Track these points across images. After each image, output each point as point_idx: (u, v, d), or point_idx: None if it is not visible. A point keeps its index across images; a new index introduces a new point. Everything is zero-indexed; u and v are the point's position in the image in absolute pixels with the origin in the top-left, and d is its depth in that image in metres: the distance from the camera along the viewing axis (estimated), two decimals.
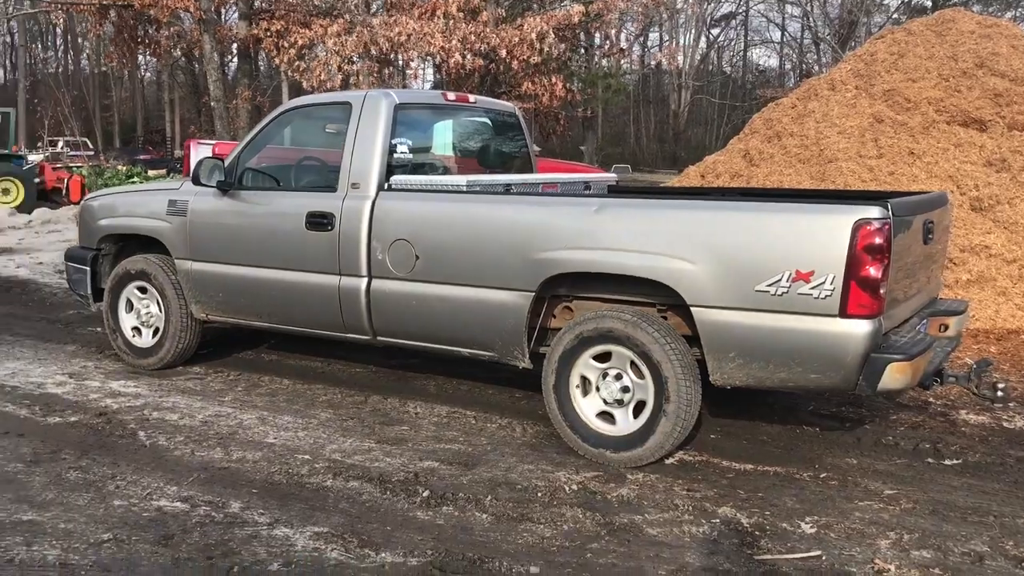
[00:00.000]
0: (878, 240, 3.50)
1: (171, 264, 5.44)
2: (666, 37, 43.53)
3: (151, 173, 20.81)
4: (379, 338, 4.81)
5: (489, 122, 5.87)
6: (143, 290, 5.60)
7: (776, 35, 46.63)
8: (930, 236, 4.16)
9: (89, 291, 5.87)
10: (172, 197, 5.43)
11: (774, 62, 48.30)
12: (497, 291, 4.30)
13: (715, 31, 46.75)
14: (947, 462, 4.20)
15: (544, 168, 7.16)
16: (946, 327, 4.51)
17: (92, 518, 3.44)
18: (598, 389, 4.13)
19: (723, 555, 3.21)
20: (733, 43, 48.94)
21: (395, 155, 4.82)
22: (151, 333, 5.62)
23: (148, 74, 48.45)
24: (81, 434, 4.42)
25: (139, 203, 5.70)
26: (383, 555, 3.17)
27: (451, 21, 17.32)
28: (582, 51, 23.99)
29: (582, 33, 22.94)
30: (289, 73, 19.99)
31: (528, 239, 4.20)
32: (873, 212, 3.52)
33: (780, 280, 3.64)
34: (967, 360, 5.59)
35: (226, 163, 5.14)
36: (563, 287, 4.28)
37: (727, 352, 3.81)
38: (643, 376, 3.98)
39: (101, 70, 43.18)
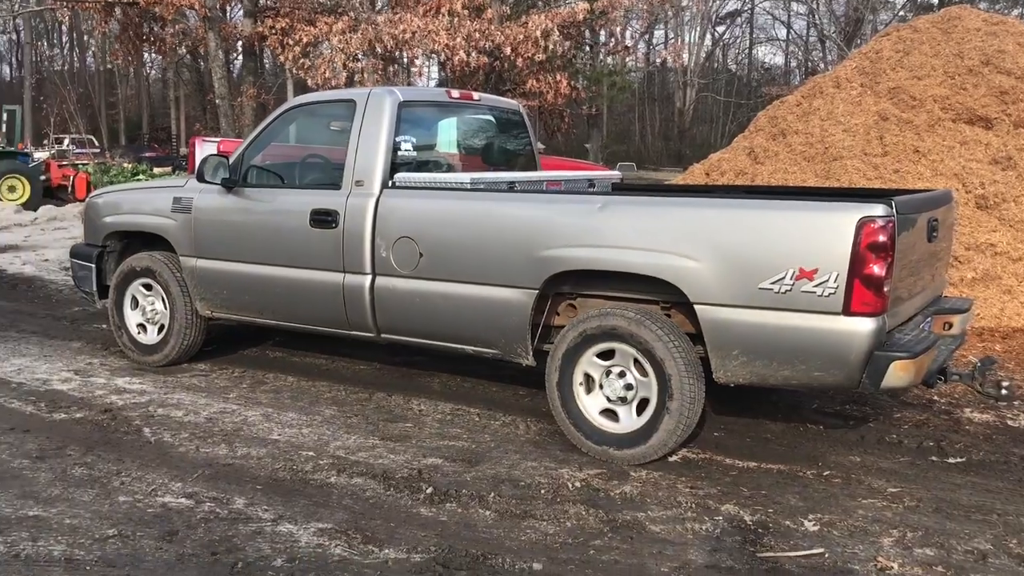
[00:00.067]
0: (882, 238, 3.49)
1: (176, 261, 5.45)
2: (671, 35, 43.53)
3: (156, 170, 20.86)
4: (383, 335, 4.81)
5: (493, 120, 5.87)
6: (148, 287, 5.62)
7: (782, 32, 46.53)
8: (935, 234, 4.15)
9: (94, 288, 5.89)
10: (177, 194, 5.44)
11: (779, 60, 48.22)
12: (501, 288, 4.30)
13: (720, 28, 46.75)
14: (951, 460, 4.19)
15: (548, 166, 7.16)
16: (950, 325, 4.50)
17: (97, 514, 3.46)
18: (601, 387, 4.13)
19: (726, 552, 3.21)
20: (738, 40, 48.92)
21: (399, 153, 4.82)
22: (156, 330, 5.64)
23: (153, 72, 48.68)
24: (86, 430, 4.44)
25: (144, 200, 5.71)
26: (387, 551, 3.18)
27: (456, 19, 17.31)
28: (587, 49, 24.00)
29: (587, 31, 22.95)
30: (294, 71, 20.02)
31: (532, 237, 4.20)
32: (877, 210, 3.51)
33: (784, 278, 3.63)
34: (971, 358, 5.58)
35: (231, 160, 5.16)
36: (567, 285, 4.28)
37: (730, 350, 3.81)
38: (647, 374, 3.98)
39: (107, 67, 43.26)
